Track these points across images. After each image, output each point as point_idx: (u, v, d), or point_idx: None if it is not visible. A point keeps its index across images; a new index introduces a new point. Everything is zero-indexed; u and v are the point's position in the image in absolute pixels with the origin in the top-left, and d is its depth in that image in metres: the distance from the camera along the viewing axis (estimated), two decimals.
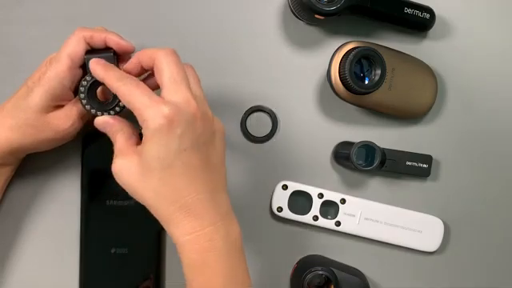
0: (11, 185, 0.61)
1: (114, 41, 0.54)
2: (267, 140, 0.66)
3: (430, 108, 0.66)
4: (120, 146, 0.51)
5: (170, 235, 0.50)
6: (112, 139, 0.52)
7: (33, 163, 0.61)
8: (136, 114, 0.48)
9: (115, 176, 0.50)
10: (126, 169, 0.49)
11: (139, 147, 0.49)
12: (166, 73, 0.49)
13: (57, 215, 0.63)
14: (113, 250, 0.61)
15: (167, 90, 0.49)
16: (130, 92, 0.49)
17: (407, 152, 0.65)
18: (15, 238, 0.62)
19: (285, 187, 0.65)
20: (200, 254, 0.49)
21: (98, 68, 0.52)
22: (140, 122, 0.48)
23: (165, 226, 0.50)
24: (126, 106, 0.49)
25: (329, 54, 0.62)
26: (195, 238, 0.49)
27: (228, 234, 0.51)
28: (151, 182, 0.49)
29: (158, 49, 0.51)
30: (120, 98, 0.50)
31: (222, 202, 0.51)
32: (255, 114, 0.66)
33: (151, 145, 0.48)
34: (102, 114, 0.53)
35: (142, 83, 0.50)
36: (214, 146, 0.52)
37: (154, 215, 0.50)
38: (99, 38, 0.54)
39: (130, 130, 0.52)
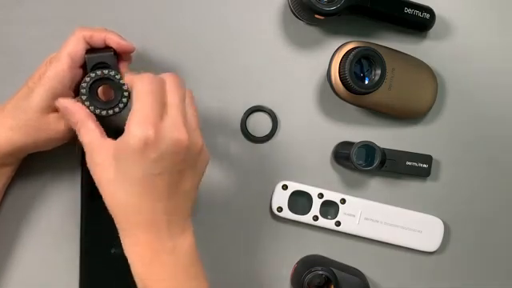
0: (11, 185, 0.61)
1: (114, 40, 0.54)
2: (267, 140, 0.66)
3: (430, 108, 0.66)
4: (89, 136, 0.51)
5: (121, 240, 0.51)
6: (75, 125, 0.52)
7: (33, 163, 0.61)
8: (130, 112, 0.49)
9: (89, 169, 0.51)
10: (102, 167, 0.50)
11: (115, 152, 0.50)
12: (167, 95, 0.50)
13: (57, 215, 0.63)
14: (113, 250, 0.61)
15: (165, 111, 0.50)
16: (141, 91, 0.49)
17: (407, 152, 0.65)
18: (15, 238, 0.62)
19: (285, 187, 0.65)
20: (146, 266, 0.51)
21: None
22: (126, 122, 0.49)
23: (118, 230, 0.51)
24: (133, 98, 0.49)
25: (329, 54, 0.62)
26: (142, 250, 0.51)
27: (175, 252, 0.52)
28: (119, 189, 0.50)
29: (163, 74, 0.52)
30: (133, 91, 0.50)
31: (177, 224, 0.52)
32: (255, 114, 0.66)
33: (125, 156, 0.49)
34: (107, 113, 0.53)
35: (161, 91, 0.50)
36: (192, 173, 0.52)
37: (112, 215, 0.51)
38: (99, 37, 0.54)
39: (93, 119, 0.52)
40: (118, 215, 0.51)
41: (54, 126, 0.54)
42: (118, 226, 0.52)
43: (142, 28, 0.64)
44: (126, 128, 0.48)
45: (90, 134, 0.51)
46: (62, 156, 0.62)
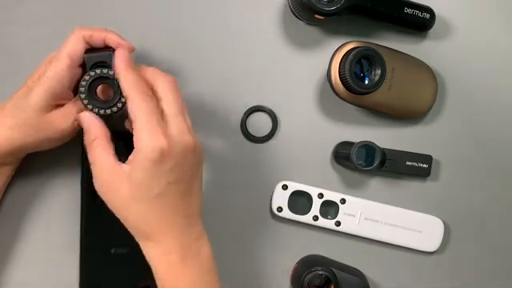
0: (11, 185, 0.61)
1: (113, 40, 0.54)
2: (267, 140, 0.66)
3: (430, 108, 0.66)
4: (103, 158, 0.50)
5: (144, 251, 0.52)
6: (91, 142, 0.51)
7: (33, 163, 0.61)
8: (135, 129, 0.49)
9: (99, 190, 0.51)
10: (113, 189, 0.50)
11: (127, 169, 0.49)
12: (167, 101, 0.50)
13: (57, 215, 0.63)
14: (113, 250, 0.61)
15: (167, 118, 0.50)
16: (141, 106, 0.49)
17: (407, 152, 0.65)
18: (15, 238, 0.62)
19: (285, 187, 0.65)
20: (175, 272, 0.51)
21: (123, 64, 0.51)
22: (134, 139, 0.49)
23: (140, 242, 0.52)
24: (130, 115, 0.49)
25: (329, 54, 0.62)
26: (171, 257, 0.51)
27: (199, 255, 0.53)
28: (137, 206, 0.50)
29: (160, 73, 0.52)
30: (128, 105, 0.50)
31: (197, 224, 0.53)
32: (255, 114, 0.66)
33: (142, 172, 0.49)
34: (105, 112, 0.53)
35: (154, 100, 0.50)
36: (198, 175, 0.53)
37: (129, 230, 0.51)
38: (99, 37, 0.54)
39: (109, 140, 0.52)
40: (140, 231, 0.51)
41: (53, 126, 0.54)
42: (139, 238, 0.52)
43: (142, 28, 0.64)
44: (137, 143, 0.49)
45: (106, 157, 0.50)
46: (62, 155, 0.62)
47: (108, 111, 0.53)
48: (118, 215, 0.51)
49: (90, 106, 0.52)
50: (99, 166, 0.51)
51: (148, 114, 0.49)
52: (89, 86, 0.52)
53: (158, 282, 0.52)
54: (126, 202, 0.50)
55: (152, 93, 0.51)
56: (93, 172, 0.51)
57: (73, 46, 0.53)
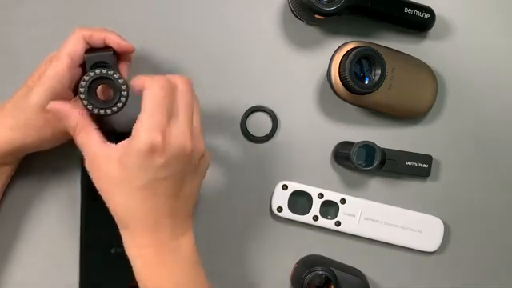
0: (11, 185, 0.61)
1: (113, 40, 0.54)
2: (267, 140, 0.66)
3: (430, 108, 0.66)
4: (90, 141, 0.51)
5: (123, 240, 0.52)
6: (73, 129, 0.52)
7: (33, 163, 0.61)
8: (139, 117, 0.49)
9: (89, 170, 0.51)
10: (102, 170, 0.50)
11: (118, 151, 0.50)
12: (180, 101, 0.51)
13: (57, 215, 0.63)
14: (113, 250, 0.61)
15: (173, 117, 0.50)
16: (151, 96, 0.49)
17: (407, 152, 0.65)
18: (15, 238, 0.62)
19: (285, 187, 0.65)
20: (149, 267, 0.52)
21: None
22: (134, 126, 0.49)
23: (120, 228, 0.52)
24: (142, 102, 0.49)
25: (329, 54, 0.62)
26: (146, 252, 0.51)
27: (177, 253, 0.53)
28: (120, 192, 0.50)
29: (177, 75, 0.52)
30: (144, 93, 0.50)
31: (181, 226, 0.53)
32: (255, 114, 0.66)
33: (132, 160, 0.49)
34: (105, 113, 0.53)
35: (171, 97, 0.50)
36: (193, 177, 0.53)
37: (112, 214, 0.51)
38: (99, 37, 0.54)
39: (89, 121, 0.52)
40: (121, 218, 0.51)
41: (53, 126, 0.54)
42: (120, 227, 0.52)
43: (142, 28, 0.64)
44: (134, 132, 0.49)
45: (91, 139, 0.51)
46: (62, 156, 0.62)
47: (108, 111, 0.53)
48: (102, 196, 0.51)
49: (90, 107, 0.52)
50: (87, 149, 0.51)
51: (158, 106, 0.49)
52: (89, 86, 0.52)
53: (135, 276, 0.52)
54: (112, 185, 0.50)
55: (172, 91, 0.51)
56: (84, 155, 0.51)
57: (73, 46, 0.53)
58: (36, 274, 0.63)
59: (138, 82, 0.51)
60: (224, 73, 0.65)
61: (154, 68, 0.63)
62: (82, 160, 0.61)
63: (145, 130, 0.48)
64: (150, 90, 0.49)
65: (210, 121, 0.64)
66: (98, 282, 0.62)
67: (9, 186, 0.61)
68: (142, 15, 0.64)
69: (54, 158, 0.61)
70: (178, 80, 0.51)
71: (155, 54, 0.64)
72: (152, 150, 0.48)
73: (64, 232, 0.63)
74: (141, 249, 0.52)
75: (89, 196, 0.61)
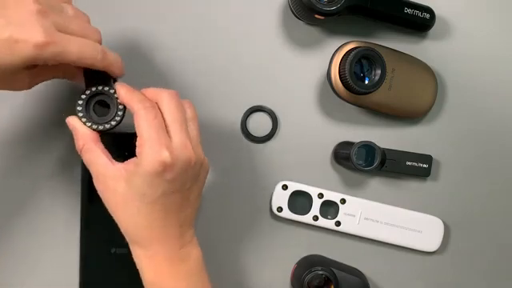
0: (11, 184, 0.61)
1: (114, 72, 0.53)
2: (267, 140, 0.66)
3: (430, 108, 0.66)
4: (97, 161, 0.51)
5: (133, 255, 0.53)
6: (80, 149, 0.52)
7: (33, 162, 0.61)
8: (139, 141, 0.50)
9: (97, 190, 0.51)
10: (111, 190, 0.51)
11: (125, 170, 0.50)
12: (169, 114, 0.51)
13: (57, 215, 0.63)
14: (113, 250, 0.61)
15: (170, 131, 0.50)
16: (144, 120, 0.50)
17: (407, 152, 0.65)
18: (15, 238, 0.62)
19: (285, 187, 0.65)
20: (160, 275, 0.52)
21: (123, 91, 0.52)
22: (137, 150, 0.50)
23: (129, 242, 0.53)
24: (136, 128, 0.50)
25: (329, 54, 0.62)
26: (158, 261, 0.52)
27: (187, 261, 0.53)
28: (130, 209, 0.51)
29: (161, 89, 0.52)
30: (134, 118, 0.50)
31: (187, 232, 0.54)
32: (255, 114, 0.66)
33: (142, 180, 0.49)
34: (104, 128, 0.53)
35: (159, 114, 0.51)
36: (196, 185, 0.54)
37: (121, 231, 0.52)
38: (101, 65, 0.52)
39: (97, 142, 0.53)
40: (131, 233, 0.52)
41: (16, 82, 0.51)
42: (129, 240, 0.52)
43: (142, 28, 0.64)
44: (142, 156, 0.49)
45: (99, 160, 0.51)
46: (62, 156, 0.62)
47: (107, 126, 0.53)
48: (112, 215, 0.52)
49: (88, 124, 0.53)
50: (95, 169, 0.51)
51: (153, 127, 0.49)
52: (86, 103, 0.53)
53: (146, 286, 0.53)
54: (121, 203, 0.51)
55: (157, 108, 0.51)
56: (91, 173, 0.52)
57: None
58: (36, 275, 0.63)
59: (123, 100, 0.52)
60: (224, 73, 0.65)
61: (154, 68, 0.63)
62: (82, 160, 0.61)
63: (151, 150, 0.49)
64: (138, 114, 0.50)
65: (210, 121, 0.64)
66: (98, 282, 0.62)
67: (8, 186, 0.61)
68: (142, 15, 0.64)
69: (54, 158, 0.61)
70: (161, 95, 0.52)
71: (155, 54, 0.64)
72: (163, 168, 0.49)
73: (64, 232, 0.62)
74: (153, 261, 0.52)
75: (89, 196, 0.61)
